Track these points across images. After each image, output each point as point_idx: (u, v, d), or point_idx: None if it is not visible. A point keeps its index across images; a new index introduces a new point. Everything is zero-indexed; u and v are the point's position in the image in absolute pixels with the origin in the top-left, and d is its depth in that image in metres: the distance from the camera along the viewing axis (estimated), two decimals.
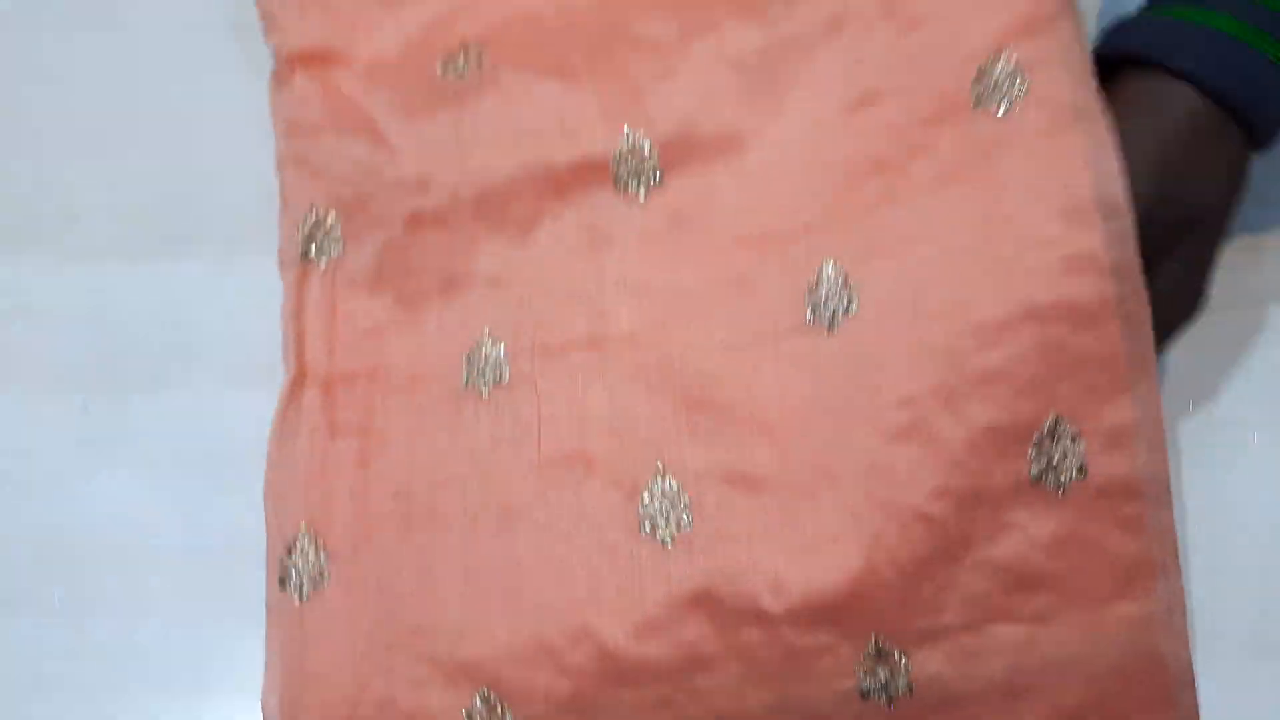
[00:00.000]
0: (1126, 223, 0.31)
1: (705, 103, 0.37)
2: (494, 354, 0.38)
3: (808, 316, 0.34)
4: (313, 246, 0.40)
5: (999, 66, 0.33)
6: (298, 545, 0.37)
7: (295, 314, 0.40)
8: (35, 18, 0.46)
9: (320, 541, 0.37)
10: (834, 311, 0.34)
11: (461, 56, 0.41)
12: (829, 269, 0.34)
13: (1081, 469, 0.30)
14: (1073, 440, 0.30)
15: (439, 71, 0.41)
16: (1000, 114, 0.32)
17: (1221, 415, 0.37)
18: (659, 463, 0.35)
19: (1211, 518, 0.36)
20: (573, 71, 0.39)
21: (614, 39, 0.39)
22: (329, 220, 0.40)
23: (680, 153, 0.37)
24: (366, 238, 0.40)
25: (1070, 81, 0.32)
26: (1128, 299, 0.31)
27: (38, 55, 0.46)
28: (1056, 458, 0.30)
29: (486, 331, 0.38)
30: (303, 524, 0.37)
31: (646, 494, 0.35)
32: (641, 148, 0.37)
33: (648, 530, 0.34)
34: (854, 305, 0.33)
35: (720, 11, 0.37)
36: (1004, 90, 0.33)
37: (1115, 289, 0.31)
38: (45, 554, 0.40)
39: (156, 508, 0.40)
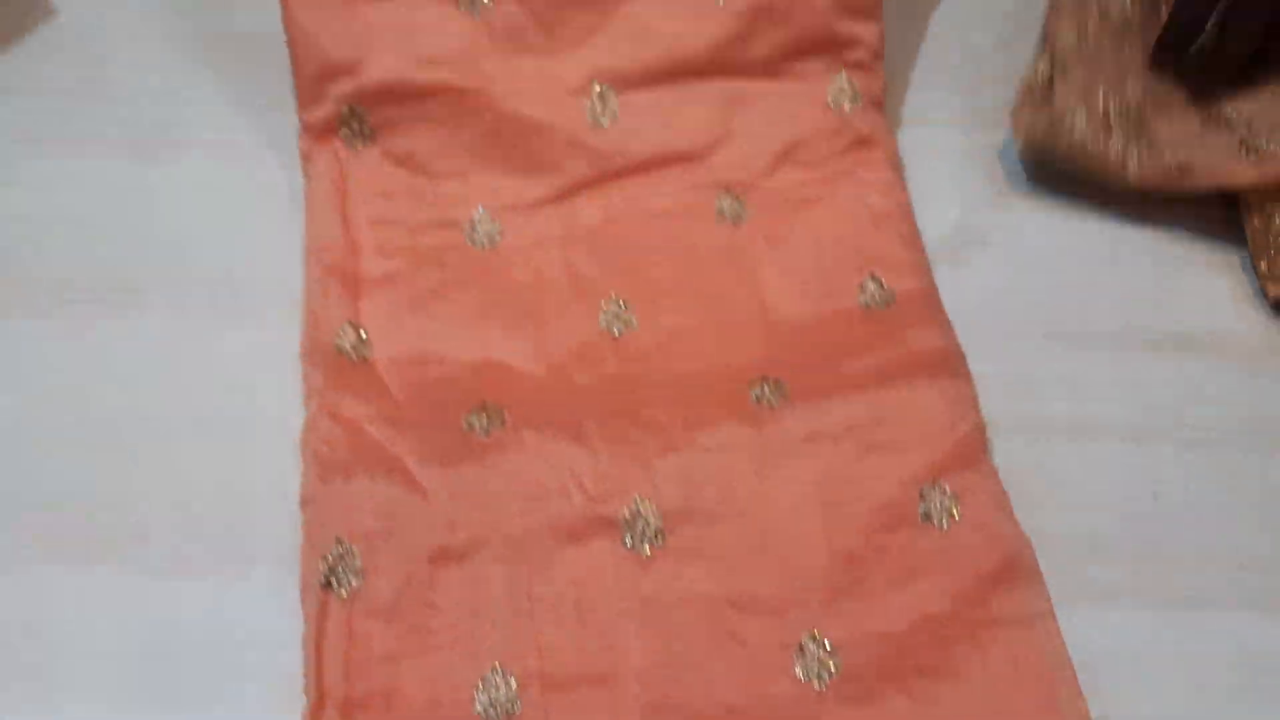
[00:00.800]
0: (1042, 590, 0.43)
1: (705, 480, 0.46)
2: (505, 685, 0.42)
3: (798, 673, 0.42)
4: (335, 578, 0.43)
5: (936, 491, 0.45)
6: None
7: (315, 642, 0.42)
8: (111, 341, 0.50)
9: None
10: (820, 674, 0.42)
11: (485, 415, 0.47)
12: (813, 639, 0.42)
13: None
14: None
15: (464, 426, 0.47)
16: (941, 529, 0.44)
17: None
18: None
19: None
20: (587, 437, 0.47)
21: (623, 417, 0.47)
22: (353, 553, 0.44)
23: (681, 520, 0.45)
24: (387, 570, 0.44)
25: (992, 506, 0.44)
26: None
27: (114, 377, 0.49)
28: None
29: (498, 664, 0.43)
30: None
31: None
32: (647, 514, 0.45)
33: None
34: (837, 669, 0.42)
35: (718, 412, 0.47)
36: (942, 511, 0.44)
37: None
38: None
39: None
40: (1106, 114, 0.53)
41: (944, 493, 0.45)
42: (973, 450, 0.46)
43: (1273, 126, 0.54)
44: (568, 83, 0.54)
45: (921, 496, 0.45)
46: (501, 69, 0.53)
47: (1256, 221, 0.53)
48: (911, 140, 0.56)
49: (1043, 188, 0.55)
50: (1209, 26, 0.53)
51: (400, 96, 0.53)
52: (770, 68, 0.55)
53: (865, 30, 0.54)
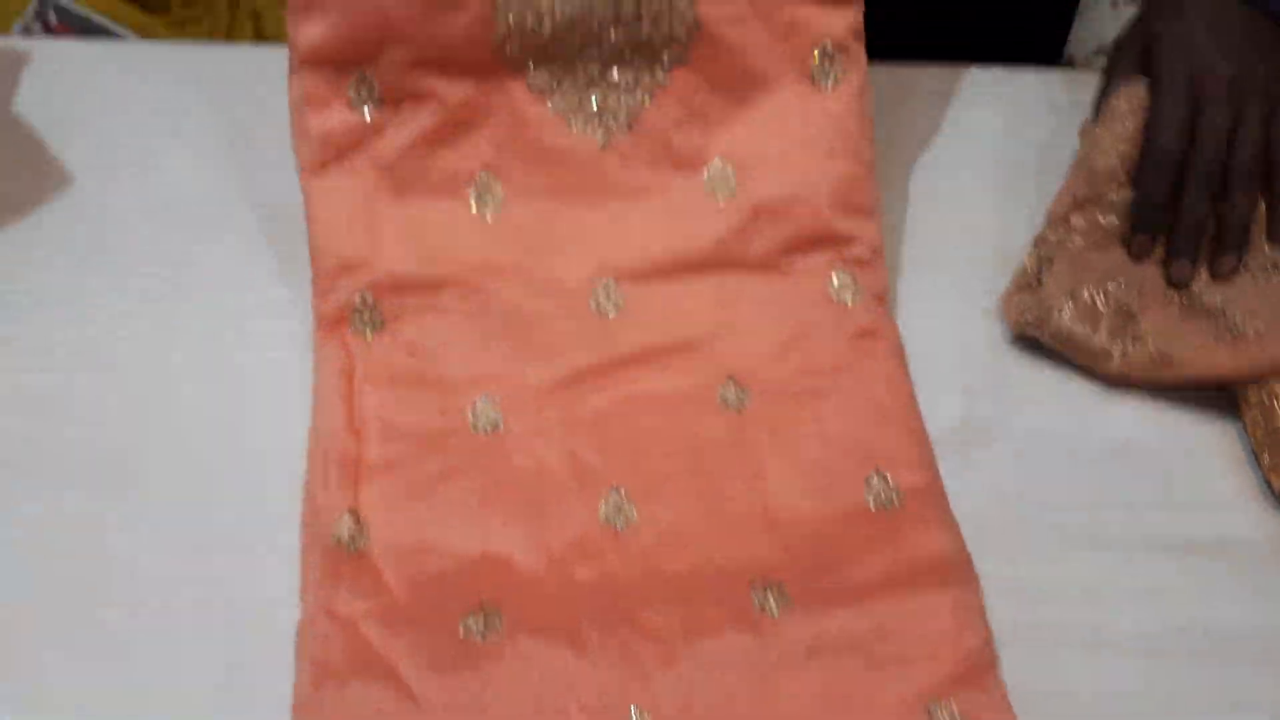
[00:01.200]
0: None
1: (704, 694, 0.44)
2: None
3: None
4: None
5: (943, 711, 0.44)
6: None
7: None
8: (108, 527, 0.50)
9: None
10: None
11: (483, 617, 0.47)
12: None
13: None
14: None
15: (461, 631, 0.46)
16: None
17: None
18: None
19: None
20: (584, 643, 0.46)
21: (624, 622, 0.46)
22: None
23: None
24: None
25: None
26: None
27: (110, 567, 0.49)
28: None
29: None
30: None
31: None
32: None
33: None
34: None
35: (719, 617, 0.46)
36: None
37: None
38: None
39: None
40: (1094, 306, 0.54)
41: (951, 713, 0.44)
42: (980, 665, 0.45)
43: (1248, 310, 0.55)
44: (573, 277, 0.55)
45: (929, 714, 0.44)
46: (509, 264, 0.54)
47: (1255, 413, 0.53)
48: (912, 328, 0.56)
49: (1048, 376, 0.56)
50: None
51: (411, 290, 0.54)
52: (771, 262, 0.55)
53: (863, 228, 0.55)
